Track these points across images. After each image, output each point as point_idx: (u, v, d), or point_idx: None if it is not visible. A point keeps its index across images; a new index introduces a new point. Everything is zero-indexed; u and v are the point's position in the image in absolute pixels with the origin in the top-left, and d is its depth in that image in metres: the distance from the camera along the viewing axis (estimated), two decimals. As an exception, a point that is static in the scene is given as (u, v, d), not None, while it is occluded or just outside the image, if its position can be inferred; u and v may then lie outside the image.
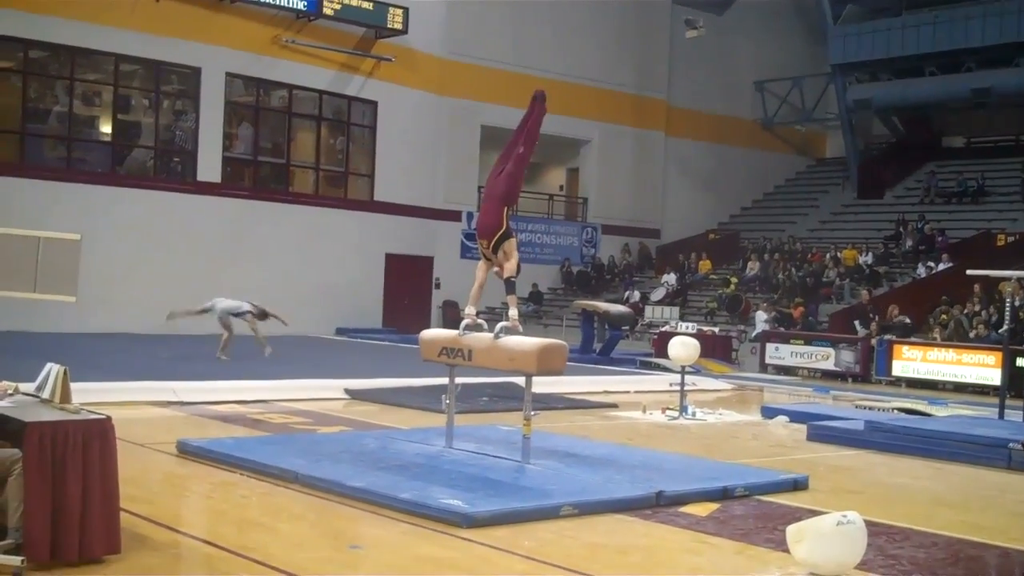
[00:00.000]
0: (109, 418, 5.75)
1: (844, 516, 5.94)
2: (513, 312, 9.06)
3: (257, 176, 27.04)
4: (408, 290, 28.60)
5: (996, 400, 15.45)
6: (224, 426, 11.24)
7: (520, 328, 9.05)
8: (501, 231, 9.08)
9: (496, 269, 9.23)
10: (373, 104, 28.29)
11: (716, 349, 22.61)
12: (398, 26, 27.48)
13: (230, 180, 26.07)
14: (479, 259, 9.51)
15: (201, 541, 6.32)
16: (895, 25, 31.02)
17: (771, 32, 35.96)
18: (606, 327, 23.23)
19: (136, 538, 6.05)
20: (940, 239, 27.74)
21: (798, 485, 8.89)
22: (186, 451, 9.14)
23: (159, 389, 13.12)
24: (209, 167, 25.50)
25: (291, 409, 12.92)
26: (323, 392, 14.37)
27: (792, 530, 6.05)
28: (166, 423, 11.34)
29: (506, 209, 9.20)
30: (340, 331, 26.72)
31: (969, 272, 15.90)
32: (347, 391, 14.55)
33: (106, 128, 25.01)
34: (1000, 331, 13.69)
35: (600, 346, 23.08)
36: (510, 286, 9.17)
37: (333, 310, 26.93)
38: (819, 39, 34.00)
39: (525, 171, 9.87)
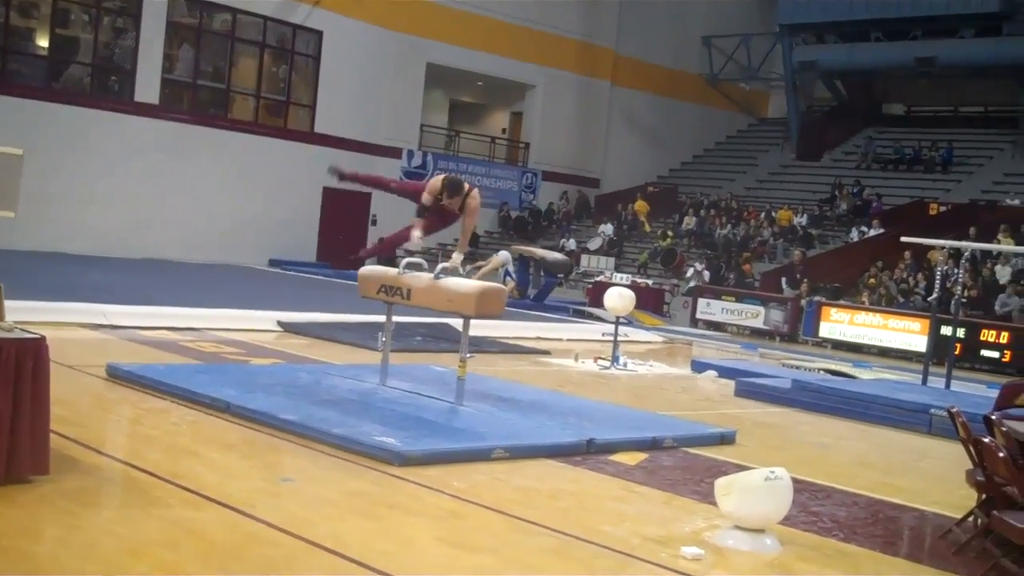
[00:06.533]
0: (43, 337, 5.64)
1: (772, 472, 6.02)
2: (457, 255, 9.05)
3: (196, 100, 26.56)
4: (344, 225, 28.35)
5: (918, 365, 15.80)
6: (154, 352, 11.08)
7: (461, 270, 9.07)
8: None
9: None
10: (318, 34, 27.86)
11: (649, 301, 22.81)
12: (348, -44, 27.07)
13: (168, 102, 25.58)
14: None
15: (131, 466, 6.23)
16: (845, -11, 31.14)
17: (723, -13, 35.92)
18: (542, 274, 23.32)
19: (65, 460, 5.95)
20: (875, 205, 28.11)
21: (725, 439, 9.01)
22: (116, 375, 8.99)
23: (89, 311, 12.87)
24: (147, 88, 25.01)
25: (222, 339, 12.78)
26: (255, 323, 14.24)
27: (721, 483, 6.12)
28: (96, 346, 11.17)
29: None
30: (273, 263, 26.48)
31: (903, 239, 16.11)
32: (280, 323, 14.44)
33: (43, 42, 24.35)
34: (929, 299, 13.93)
35: (535, 292, 23.15)
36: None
37: (267, 241, 26.67)
38: (769, -2, 34.07)
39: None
